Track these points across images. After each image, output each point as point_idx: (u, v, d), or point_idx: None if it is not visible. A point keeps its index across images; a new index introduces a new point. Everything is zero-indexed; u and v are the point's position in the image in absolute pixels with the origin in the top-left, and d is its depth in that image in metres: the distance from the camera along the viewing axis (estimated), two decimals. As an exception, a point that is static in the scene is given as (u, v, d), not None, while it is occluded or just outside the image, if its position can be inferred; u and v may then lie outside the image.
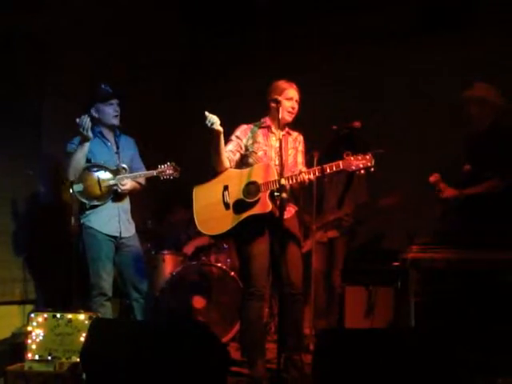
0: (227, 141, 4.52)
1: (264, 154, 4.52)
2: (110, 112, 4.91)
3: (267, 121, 4.62)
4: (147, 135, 5.79)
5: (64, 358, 4.33)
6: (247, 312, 4.42)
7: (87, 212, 4.82)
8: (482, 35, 5.86)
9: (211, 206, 4.44)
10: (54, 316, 4.40)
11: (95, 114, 4.91)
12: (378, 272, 5.41)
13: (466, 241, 4.35)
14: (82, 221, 4.84)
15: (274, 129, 4.56)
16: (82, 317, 4.37)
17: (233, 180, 4.45)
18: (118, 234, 4.87)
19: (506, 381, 3.67)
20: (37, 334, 4.36)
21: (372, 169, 4.19)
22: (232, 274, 5.66)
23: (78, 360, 3.98)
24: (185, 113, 6.79)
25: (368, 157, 4.19)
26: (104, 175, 4.83)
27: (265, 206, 4.29)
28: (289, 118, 4.50)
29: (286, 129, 4.56)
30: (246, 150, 4.56)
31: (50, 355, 4.35)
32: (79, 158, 4.74)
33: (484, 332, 4.04)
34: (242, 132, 4.60)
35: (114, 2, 6.03)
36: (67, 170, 4.80)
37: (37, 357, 4.35)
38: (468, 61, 5.85)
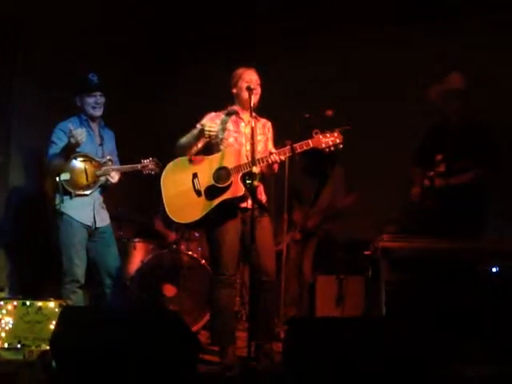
0: (192, 128, 4.49)
1: (235, 140, 4.51)
2: (91, 102, 4.87)
3: (235, 107, 4.60)
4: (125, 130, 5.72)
5: (34, 346, 4.32)
6: (217, 299, 4.41)
7: (60, 198, 4.77)
8: (459, 24, 5.89)
9: (182, 194, 4.42)
10: (24, 304, 4.37)
11: (78, 103, 4.91)
12: (348, 261, 5.45)
13: (436, 230, 4.41)
14: (56, 207, 4.80)
15: (242, 115, 4.56)
16: (52, 304, 4.35)
17: (201, 167, 4.44)
18: (91, 224, 4.84)
19: (476, 371, 3.70)
20: (6, 321, 4.34)
21: (341, 146, 4.25)
22: (203, 262, 5.66)
23: (48, 348, 3.96)
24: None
25: (336, 134, 4.26)
26: (91, 166, 4.81)
27: (237, 189, 4.29)
28: (253, 98, 4.43)
29: (254, 114, 4.47)
30: (216, 137, 4.51)
31: (19, 343, 4.34)
32: (63, 160, 4.70)
33: (454, 320, 4.09)
34: (209, 120, 4.54)
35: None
36: (51, 167, 4.77)
37: (6, 345, 4.33)
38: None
